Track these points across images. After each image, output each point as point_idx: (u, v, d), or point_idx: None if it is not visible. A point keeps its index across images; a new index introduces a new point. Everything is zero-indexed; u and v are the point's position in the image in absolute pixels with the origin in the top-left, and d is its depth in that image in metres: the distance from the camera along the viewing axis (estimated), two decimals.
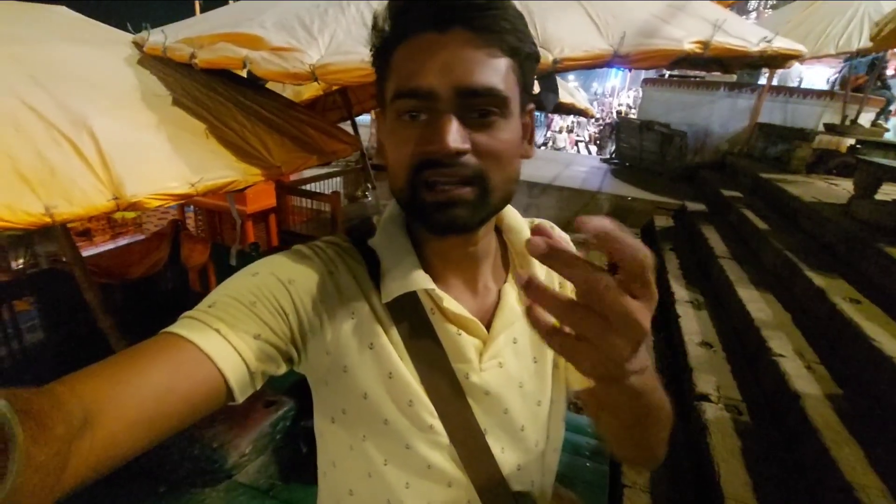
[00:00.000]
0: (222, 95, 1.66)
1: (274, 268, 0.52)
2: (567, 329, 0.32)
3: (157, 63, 1.70)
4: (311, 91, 2.97)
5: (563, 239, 0.66)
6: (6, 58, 1.42)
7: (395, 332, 0.55)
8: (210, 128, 1.50)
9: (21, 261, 3.32)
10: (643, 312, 0.30)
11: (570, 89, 3.76)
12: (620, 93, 19.36)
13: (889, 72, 6.12)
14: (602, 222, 0.30)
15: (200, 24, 1.69)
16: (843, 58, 5.55)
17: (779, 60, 1.20)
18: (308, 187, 4.08)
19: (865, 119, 5.29)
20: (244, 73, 1.37)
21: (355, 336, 0.54)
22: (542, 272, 0.62)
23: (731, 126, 6.40)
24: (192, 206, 4.87)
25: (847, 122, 5.02)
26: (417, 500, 0.57)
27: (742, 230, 3.68)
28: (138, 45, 1.73)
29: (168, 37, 1.60)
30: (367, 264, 0.56)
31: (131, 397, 0.39)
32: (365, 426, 0.55)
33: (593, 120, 12.36)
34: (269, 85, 2.29)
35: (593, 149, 11.72)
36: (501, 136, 0.48)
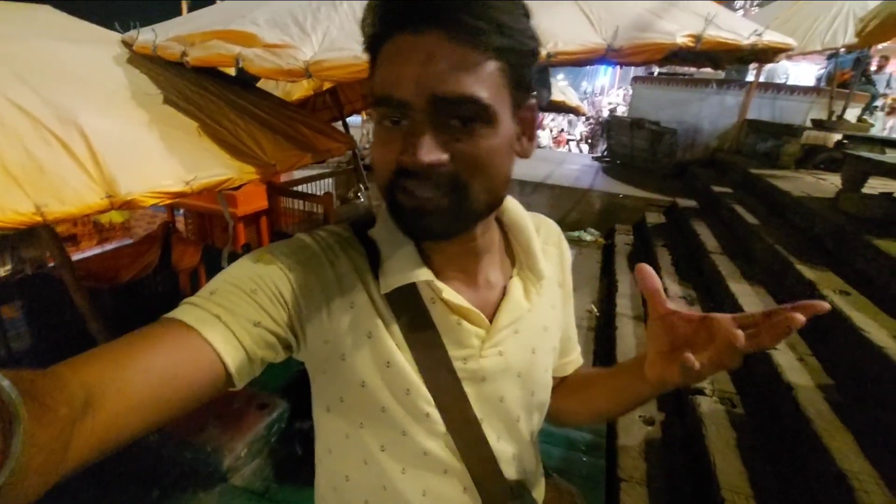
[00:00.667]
0: (213, 94, 1.64)
1: (275, 256, 0.52)
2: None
3: (146, 62, 1.68)
4: (301, 91, 2.95)
5: (566, 246, 0.71)
6: None
7: (393, 322, 0.55)
8: (203, 126, 1.49)
9: (7, 267, 3.26)
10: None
11: (560, 87, 3.77)
12: (610, 91, 19.46)
13: (872, 68, 6.21)
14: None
15: (191, 23, 1.66)
16: (828, 54, 5.63)
17: (769, 54, 1.22)
18: (299, 188, 4.05)
19: (851, 114, 5.36)
20: (233, 71, 1.36)
21: (354, 325, 0.54)
22: (548, 267, 0.63)
23: (721, 123, 6.46)
24: (181, 210, 4.82)
25: (834, 118, 5.09)
26: (413, 487, 0.58)
27: (733, 225, 3.71)
28: (127, 44, 1.71)
29: (158, 35, 1.58)
30: (367, 254, 0.57)
31: (132, 381, 0.39)
32: (362, 414, 0.56)
33: (584, 118, 12.40)
34: (261, 84, 2.28)
35: (585, 147, 11.76)
36: (484, 143, 0.46)
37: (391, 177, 0.48)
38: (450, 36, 0.43)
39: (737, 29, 1.17)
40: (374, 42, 0.48)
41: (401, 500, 0.58)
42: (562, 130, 13.89)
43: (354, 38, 1.28)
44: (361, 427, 0.57)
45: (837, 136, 4.66)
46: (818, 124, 5.07)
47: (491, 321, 0.58)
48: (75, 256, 3.37)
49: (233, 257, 2.88)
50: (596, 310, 3.43)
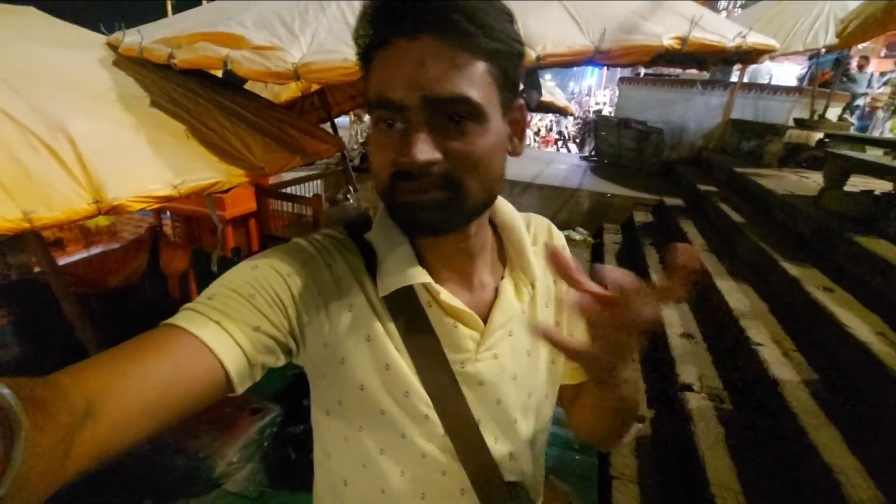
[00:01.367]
0: (201, 96, 1.63)
1: (273, 261, 0.52)
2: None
3: (132, 64, 1.66)
4: (288, 93, 2.93)
5: (561, 240, 0.70)
6: None
7: (391, 324, 0.55)
8: (190, 129, 1.48)
9: None
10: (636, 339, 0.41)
11: (549, 88, 3.79)
12: (597, 91, 19.62)
13: (853, 68, 6.34)
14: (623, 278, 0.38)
15: (177, 24, 1.64)
16: (809, 55, 5.74)
17: (753, 55, 1.24)
18: (288, 190, 4.02)
19: (833, 114, 5.47)
20: (220, 73, 1.35)
21: (352, 328, 0.54)
22: (538, 269, 0.63)
23: (706, 122, 6.56)
24: (168, 213, 4.76)
25: (815, 117, 5.19)
26: (412, 490, 0.58)
27: (718, 223, 3.77)
28: (113, 47, 1.68)
29: (144, 37, 1.55)
30: (364, 258, 0.57)
31: (133, 387, 0.40)
32: (361, 417, 0.56)
33: (572, 119, 12.49)
34: (248, 85, 2.26)
35: (573, 147, 11.84)
36: (476, 142, 0.47)
37: (389, 179, 0.49)
38: (441, 40, 0.45)
39: (722, 31, 1.18)
40: (369, 50, 0.49)
41: (399, 503, 0.58)
42: (549, 130, 13.96)
43: (343, 40, 1.27)
44: (360, 430, 0.57)
45: (819, 135, 4.75)
46: (800, 123, 5.17)
47: (485, 322, 0.58)
48: (62, 261, 3.31)
49: (223, 261, 2.86)
50: None
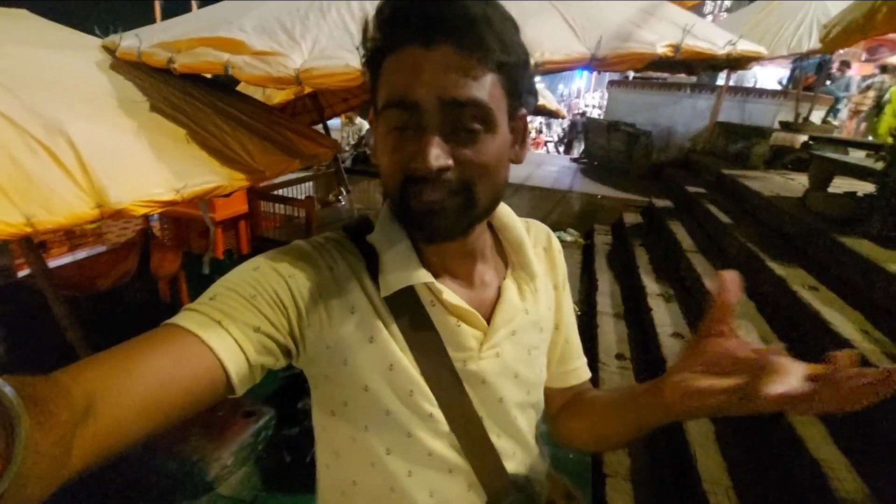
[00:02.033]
0: (199, 100, 1.61)
1: (274, 262, 0.53)
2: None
3: (129, 68, 1.64)
4: (281, 95, 2.93)
5: (558, 247, 0.72)
6: None
7: (394, 325, 0.56)
8: (191, 133, 1.46)
9: None
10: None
11: (539, 91, 3.83)
12: (586, 94, 19.78)
13: (834, 71, 6.48)
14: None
15: (176, 28, 1.63)
16: (792, 59, 5.86)
17: (742, 62, 1.28)
18: (280, 192, 4.00)
19: (816, 117, 5.59)
20: (230, 74, 1.34)
21: (355, 330, 0.55)
22: (540, 268, 0.65)
23: (694, 125, 6.66)
24: (156, 215, 4.70)
25: (800, 120, 5.29)
26: (420, 487, 0.59)
27: (707, 224, 3.82)
28: (109, 50, 1.66)
29: (143, 41, 1.54)
30: (366, 260, 0.58)
31: (134, 386, 0.40)
32: (366, 417, 0.57)
33: (561, 121, 12.58)
34: (241, 88, 2.25)
35: (562, 148, 11.92)
36: (486, 150, 0.49)
37: (400, 184, 0.50)
38: (458, 49, 0.46)
39: (713, 39, 1.21)
40: (379, 54, 0.50)
41: (408, 501, 0.59)
42: (539, 132, 14.04)
43: (344, 47, 1.28)
44: (366, 430, 0.57)
45: (804, 138, 4.85)
46: (786, 126, 5.27)
47: (488, 322, 0.59)
48: (49, 264, 3.25)
49: (214, 263, 2.83)
50: (577, 309, 3.49)
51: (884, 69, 6.69)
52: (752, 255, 2.82)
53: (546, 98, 3.64)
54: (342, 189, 3.32)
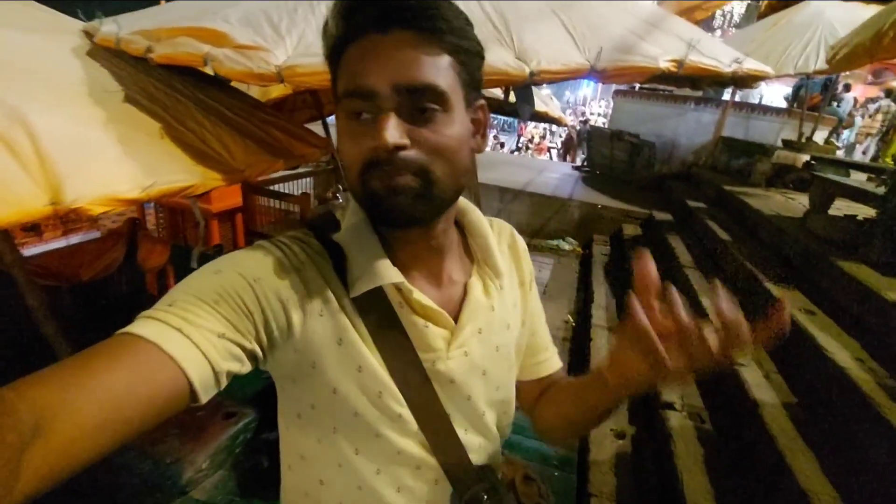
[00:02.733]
0: (181, 93, 1.55)
1: (238, 266, 0.51)
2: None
3: (109, 55, 1.57)
4: (279, 90, 2.88)
5: (522, 245, 0.74)
6: None
7: (362, 325, 0.56)
8: (166, 127, 1.40)
9: None
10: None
11: (543, 98, 3.80)
12: (592, 102, 19.81)
13: (839, 91, 6.47)
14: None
15: (160, 16, 1.57)
16: (799, 79, 5.85)
17: (748, 81, 1.24)
18: (277, 187, 3.96)
19: (819, 137, 5.57)
20: (210, 71, 1.28)
21: (323, 332, 0.54)
22: (505, 265, 0.66)
23: (697, 139, 6.64)
24: (152, 203, 4.64)
25: (803, 139, 5.27)
26: (388, 484, 0.60)
27: (706, 240, 3.79)
28: (89, 35, 1.60)
29: (123, 27, 1.48)
30: (332, 259, 0.57)
31: (87, 402, 0.38)
32: (335, 419, 0.57)
33: (561, 129, 12.61)
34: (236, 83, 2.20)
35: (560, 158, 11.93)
36: (443, 131, 0.50)
37: (361, 170, 0.50)
38: (412, 34, 0.48)
39: (718, 55, 1.18)
40: (339, 45, 0.51)
41: (376, 498, 0.59)
42: (543, 137, 14.05)
43: None
44: (334, 432, 0.57)
45: (806, 157, 4.83)
46: (788, 145, 5.25)
47: (455, 320, 0.60)
48: (36, 249, 3.19)
49: (204, 257, 2.78)
50: (572, 320, 3.46)
51: (888, 93, 6.69)
52: (750, 275, 2.79)
53: (549, 106, 3.61)
54: (339, 186, 3.28)
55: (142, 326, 0.44)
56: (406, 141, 0.48)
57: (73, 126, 1.27)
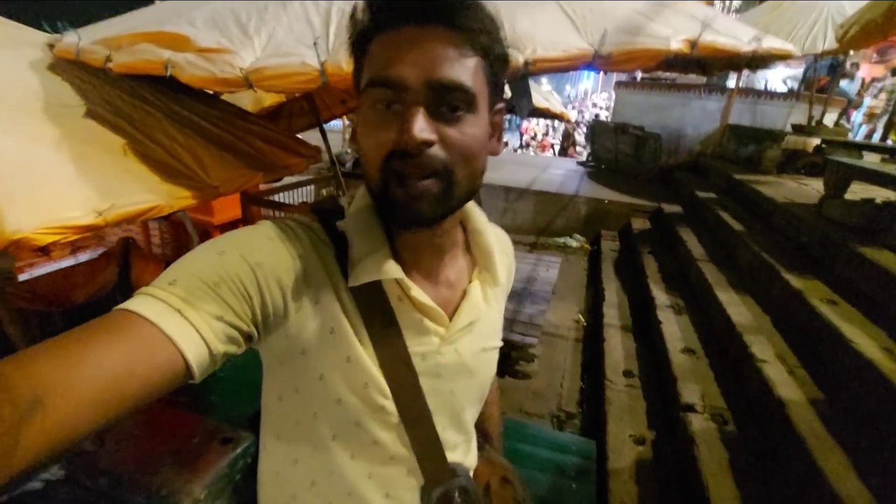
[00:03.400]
0: (153, 104, 1.46)
1: (242, 248, 0.51)
2: None
3: (72, 68, 1.49)
4: (273, 97, 2.82)
5: (511, 254, 0.77)
6: None
7: (357, 316, 0.56)
8: (131, 143, 1.31)
9: None
10: None
11: (544, 93, 3.71)
12: (593, 95, 19.65)
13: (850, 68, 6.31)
14: None
15: (124, 23, 1.46)
16: (806, 60, 5.71)
17: (767, 61, 1.15)
18: (279, 197, 3.92)
19: (829, 119, 5.43)
20: (168, 75, 1.20)
21: (317, 321, 0.55)
22: (503, 271, 0.67)
23: (703, 128, 6.51)
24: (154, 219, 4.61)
25: (813, 123, 5.14)
26: (360, 471, 0.61)
27: (718, 232, 3.69)
28: (51, 47, 1.53)
29: (84, 38, 1.40)
30: (335, 246, 0.57)
31: (85, 377, 0.38)
32: (316, 404, 0.57)
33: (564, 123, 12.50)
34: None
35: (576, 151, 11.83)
36: (469, 131, 0.50)
37: (383, 160, 0.49)
38: (448, 31, 0.48)
39: (736, 34, 1.08)
40: (369, 31, 0.50)
41: (347, 483, 0.60)
42: (545, 134, 13.94)
43: (303, 42, 1.11)
44: (314, 417, 0.58)
45: (816, 141, 4.70)
46: (798, 129, 5.12)
47: (450, 319, 0.61)
48: (43, 269, 3.13)
49: None
50: (583, 320, 3.37)
51: (894, 72, 6.53)
52: (767, 266, 2.69)
53: (550, 101, 3.52)
54: (339, 193, 3.22)
55: (142, 304, 0.44)
56: (434, 137, 0.48)
57: (20, 147, 1.17)
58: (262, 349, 0.57)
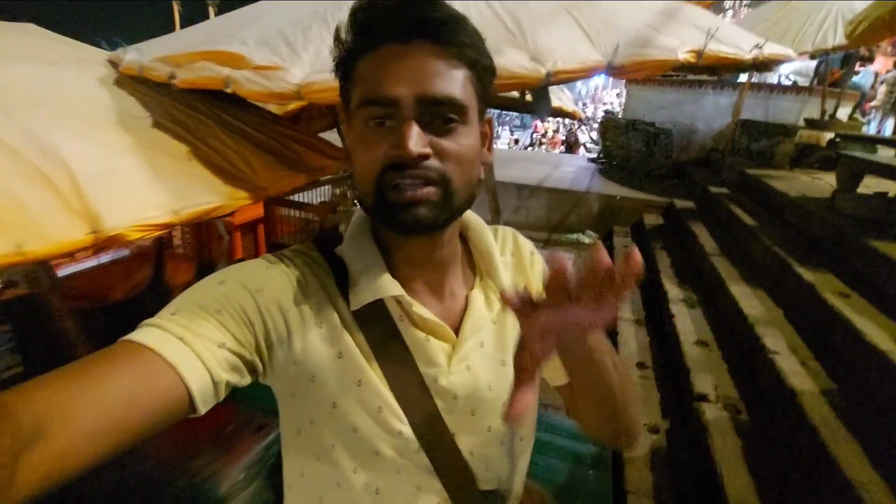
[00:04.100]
0: (204, 113, 1.58)
1: (241, 276, 0.52)
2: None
3: (133, 83, 1.62)
4: (295, 103, 2.92)
5: (528, 247, 0.72)
6: None
7: (363, 339, 0.55)
8: (192, 150, 1.43)
9: None
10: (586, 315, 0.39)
11: (556, 92, 3.75)
12: (604, 92, 19.56)
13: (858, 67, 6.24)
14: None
15: (178, 41, 1.61)
16: (819, 54, 5.66)
17: (769, 65, 1.21)
18: (297, 197, 4.02)
19: (843, 113, 5.39)
20: (229, 91, 1.32)
21: (323, 346, 0.54)
22: (507, 278, 0.65)
23: (715, 123, 6.49)
24: None
25: (826, 117, 5.11)
26: None
27: (730, 227, 3.71)
28: (114, 65, 1.66)
29: (144, 55, 1.53)
30: (334, 273, 0.57)
31: (88, 407, 0.38)
32: (333, 435, 0.56)
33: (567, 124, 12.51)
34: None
35: (581, 150, 11.81)
36: (462, 142, 0.51)
37: (379, 174, 0.50)
38: (433, 46, 0.49)
39: (738, 42, 1.15)
40: (354, 53, 0.51)
41: None
42: (556, 132, 13.93)
43: None
44: (333, 448, 0.56)
45: (830, 135, 4.68)
46: (811, 123, 5.09)
47: (456, 333, 0.59)
48: (69, 269, 3.28)
49: None
50: None
51: None
52: (779, 260, 2.72)
53: (562, 100, 3.56)
54: (354, 193, 3.31)
55: (144, 334, 0.44)
56: (429, 150, 0.48)
57: (105, 155, 1.30)
58: (272, 383, 0.56)
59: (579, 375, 0.58)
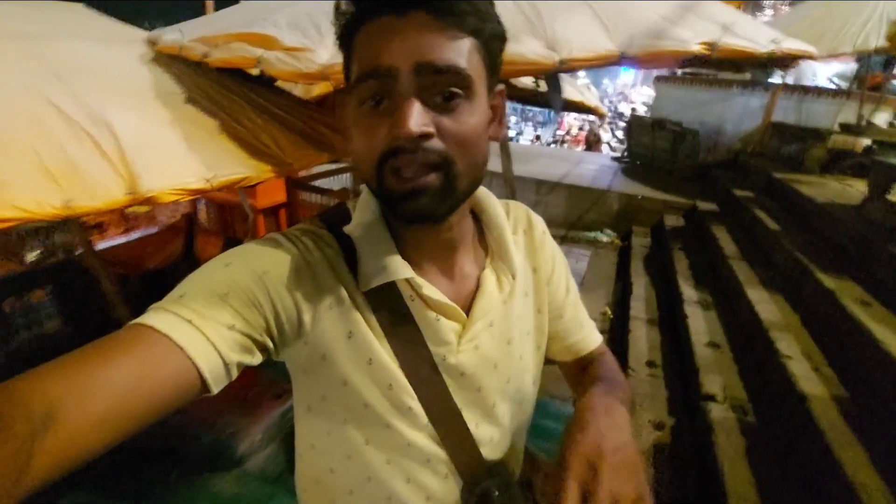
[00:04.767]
0: (235, 93, 1.68)
1: (248, 258, 0.51)
2: None
3: (171, 61, 1.73)
4: (321, 88, 2.99)
5: (540, 226, 0.71)
6: (28, 55, 1.45)
7: (373, 318, 0.55)
8: (223, 125, 1.53)
9: (35, 253, 3.38)
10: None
11: (580, 87, 3.73)
12: (632, 89, 19.20)
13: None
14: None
15: (215, 23, 1.71)
16: (857, 56, 5.44)
17: (788, 61, 1.20)
18: (319, 182, 4.11)
19: (882, 119, 5.19)
20: (255, 72, 1.40)
21: (333, 325, 0.54)
22: (519, 258, 0.64)
23: (744, 125, 6.32)
24: (203, 200, 4.93)
25: (863, 122, 4.93)
26: (397, 475, 0.59)
27: (753, 230, 3.65)
28: (153, 43, 1.77)
29: (184, 35, 1.63)
30: (343, 251, 0.56)
31: (98, 391, 0.38)
32: (345, 411, 0.56)
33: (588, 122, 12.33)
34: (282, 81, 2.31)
35: (605, 148, 11.64)
36: (467, 120, 0.47)
37: (379, 160, 0.47)
38: (432, 16, 0.45)
39: (754, 37, 1.15)
40: (351, 25, 0.48)
41: (385, 489, 0.59)
42: (581, 129, 13.75)
43: None
44: (344, 423, 0.57)
45: (867, 141, 4.52)
46: (846, 128, 4.92)
47: (467, 313, 0.59)
48: (103, 244, 3.50)
49: None
50: (610, 312, 3.42)
51: None
52: (801, 265, 2.68)
53: (585, 95, 3.54)
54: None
55: (153, 318, 0.44)
56: (432, 129, 0.46)
57: (146, 125, 1.42)
58: (286, 361, 0.57)
59: None
